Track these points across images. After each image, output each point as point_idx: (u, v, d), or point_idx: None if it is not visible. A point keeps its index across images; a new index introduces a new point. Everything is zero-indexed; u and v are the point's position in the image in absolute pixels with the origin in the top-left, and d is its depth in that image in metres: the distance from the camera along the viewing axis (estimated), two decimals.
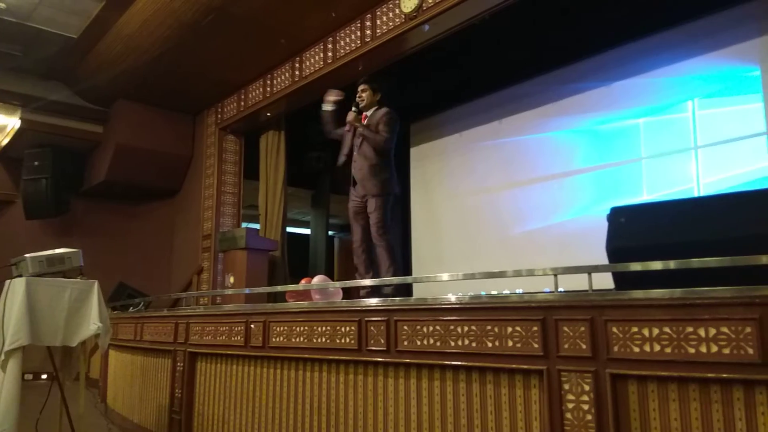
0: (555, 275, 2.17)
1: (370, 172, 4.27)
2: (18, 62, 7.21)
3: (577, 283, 2.16)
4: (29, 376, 5.77)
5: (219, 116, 8.05)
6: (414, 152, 8.27)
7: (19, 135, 7.85)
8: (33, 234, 8.23)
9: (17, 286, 3.17)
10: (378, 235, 4.24)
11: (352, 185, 4.43)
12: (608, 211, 2.20)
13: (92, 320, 3.29)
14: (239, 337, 3.33)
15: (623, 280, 2.07)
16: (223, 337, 3.50)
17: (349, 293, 5.08)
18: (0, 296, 3.30)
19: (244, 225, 7.97)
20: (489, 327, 2.08)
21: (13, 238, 8.03)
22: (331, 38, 6.12)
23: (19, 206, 8.22)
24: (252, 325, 3.23)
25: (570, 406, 1.83)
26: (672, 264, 1.84)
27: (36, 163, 8.06)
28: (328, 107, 4.55)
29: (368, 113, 4.43)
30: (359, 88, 4.50)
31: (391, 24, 5.39)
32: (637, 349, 1.71)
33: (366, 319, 2.54)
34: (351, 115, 4.38)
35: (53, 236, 8.25)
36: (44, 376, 6.17)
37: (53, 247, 3.50)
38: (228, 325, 3.47)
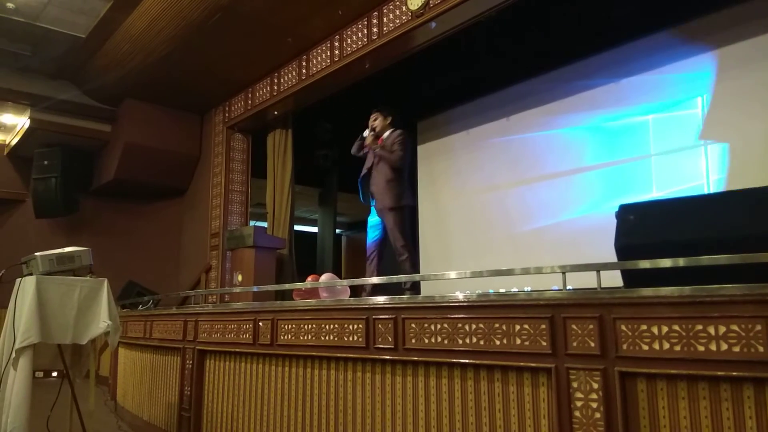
0: (563, 273, 2.16)
1: (386, 187, 4.80)
2: (27, 62, 7.26)
3: (586, 280, 2.16)
4: (40, 374, 5.82)
5: (226, 115, 8.07)
6: (421, 150, 8.26)
7: (28, 134, 7.91)
8: (43, 233, 8.30)
9: (27, 285, 3.19)
10: (401, 248, 4.71)
11: (373, 199, 5.01)
12: (617, 209, 2.18)
13: (102, 318, 3.31)
14: (247, 335, 3.34)
15: (632, 278, 2.06)
16: (232, 335, 3.52)
17: (357, 291, 5.09)
18: (11, 295, 3.33)
19: (251, 223, 8.00)
20: (497, 325, 2.07)
21: (23, 237, 8.11)
22: (337, 36, 6.12)
23: (29, 205, 8.28)
24: (260, 323, 3.24)
25: (579, 404, 1.82)
26: (681, 261, 1.83)
27: (45, 162, 8.11)
28: (366, 134, 5.11)
29: (385, 135, 5.01)
30: (371, 118, 5.07)
31: (397, 21, 5.38)
32: (646, 347, 1.70)
33: (374, 317, 2.54)
34: (369, 138, 4.99)
35: (63, 235, 8.31)
36: (55, 374, 6.22)
37: (63, 246, 3.52)
38: (236, 323, 3.48)
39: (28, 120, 7.73)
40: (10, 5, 5.98)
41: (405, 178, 4.85)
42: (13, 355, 3.01)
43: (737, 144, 5.06)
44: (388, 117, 5.01)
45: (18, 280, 3.35)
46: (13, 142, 8.33)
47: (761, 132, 4.89)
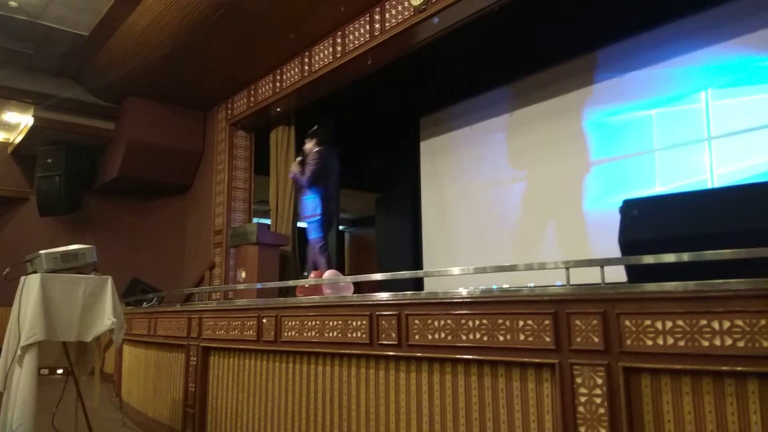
0: (567, 268, 2.16)
1: (305, 202, 5.50)
2: (30, 60, 7.27)
3: (590, 276, 2.15)
4: (45, 371, 5.84)
5: (229, 112, 8.07)
6: (424, 146, 8.26)
7: (32, 133, 7.93)
8: (47, 231, 8.32)
9: (32, 283, 3.20)
10: (318, 252, 5.40)
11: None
12: (621, 204, 2.18)
13: (106, 315, 3.32)
14: (251, 332, 3.35)
15: (636, 273, 2.06)
16: (236, 332, 3.52)
17: (360, 287, 5.10)
18: (16, 292, 3.34)
19: (255, 220, 8.01)
20: (500, 321, 2.07)
21: (28, 235, 8.13)
22: (340, 32, 6.11)
23: (33, 203, 8.31)
24: (264, 320, 3.25)
25: (582, 399, 1.82)
26: (685, 256, 1.82)
27: (49, 160, 8.14)
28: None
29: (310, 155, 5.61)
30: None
31: (400, 17, 5.37)
32: (650, 343, 1.70)
33: (377, 313, 2.54)
34: (293, 165, 5.68)
35: (67, 233, 8.33)
36: (60, 371, 6.24)
37: (67, 244, 3.53)
38: (240, 320, 3.49)
39: (32, 118, 7.75)
40: (12, 3, 5.99)
41: (325, 193, 5.41)
42: (19, 352, 3.03)
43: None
44: (314, 138, 5.60)
45: (22, 278, 3.37)
46: (17, 141, 8.35)
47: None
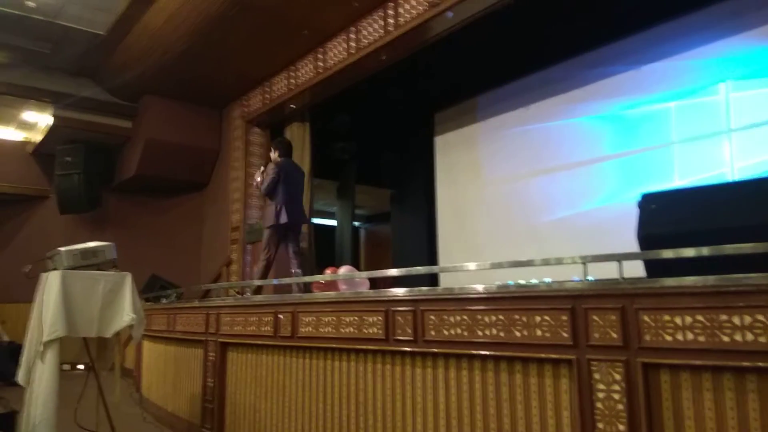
0: (584, 263, 2.13)
1: (262, 210, 5.56)
2: (47, 60, 7.36)
3: (607, 271, 2.13)
4: (66, 367, 5.93)
5: (244, 109, 8.11)
6: (439, 141, 8.23)
7: (51, 131, 8.04)
8: (67, 228, 8.44)
9: (53, 279, 3.25)
10: (262, 254, 5.51)
11: None
12: (639, 198, 2.15)
13: (126, 311, 3.36)
14: (268, 327, 3.37)
15: (655, 268, 2.03)
16: (253, 328, 3.55)
17: (376, 283, 5.10)
18: (37, 289, 3.39)
19: None
20: (517, 316, 2.06)
21: (48, 233, 8.26)
22: (353, 28, 6.10)
23: (53, 201, 8.44)
24: (280, 316, 3.27)
25: (601, 395, 1.81)
26: (705, 251, 1.80)
27: (68, 158, 8.24)
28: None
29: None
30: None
31: (414, 12, 5.35)
32: (669, 338, 1.68)
33: (393, 309, 2.54)
34: (257, 174, 5.70)
35: (87, 230, 8.44)
36: (81, 367, 6.34)
37: (87, 241, 3.57)
38: (257, 316, 3.51)
39: (51, 117, 7.86)
40: (30, 3, 6.06)
41: (276, 201, 5.41)
42: (41, 348, 3.08)
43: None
44: (276, 149, 5.64)
45: (43, 274, 3.42)
46: (37, 140, 8.47)
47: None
